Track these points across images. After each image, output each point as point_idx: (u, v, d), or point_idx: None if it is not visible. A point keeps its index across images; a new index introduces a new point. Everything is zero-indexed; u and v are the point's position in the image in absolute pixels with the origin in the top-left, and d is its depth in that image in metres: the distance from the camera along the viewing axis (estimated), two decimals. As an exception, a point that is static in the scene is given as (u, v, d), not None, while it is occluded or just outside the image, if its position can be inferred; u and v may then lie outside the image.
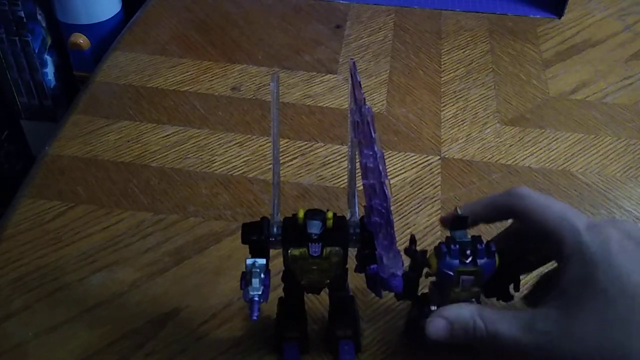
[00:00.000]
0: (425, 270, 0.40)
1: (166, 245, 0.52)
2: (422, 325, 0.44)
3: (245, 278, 0.37)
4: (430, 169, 0.59)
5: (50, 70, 1.00)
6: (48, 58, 0.99)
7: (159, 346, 0.45)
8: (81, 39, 0.91)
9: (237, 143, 0.61)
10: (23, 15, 0.92)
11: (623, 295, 0.34)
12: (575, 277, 0.35)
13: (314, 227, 0.36)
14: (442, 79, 0.70)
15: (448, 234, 0.40)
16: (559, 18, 0.80)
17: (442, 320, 0.38)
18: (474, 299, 0.41)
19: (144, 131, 0.62)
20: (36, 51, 0.96)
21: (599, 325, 0.34)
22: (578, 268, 0.35)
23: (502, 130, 0.64)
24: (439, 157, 0.61)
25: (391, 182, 0.58)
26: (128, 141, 0.61)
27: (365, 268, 0.38)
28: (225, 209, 0.55)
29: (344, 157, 0.60)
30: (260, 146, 0.61)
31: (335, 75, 0.70)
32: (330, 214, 0.37)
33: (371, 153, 0.33)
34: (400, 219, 0.54)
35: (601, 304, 0.34)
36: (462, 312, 0.38)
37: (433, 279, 0.40)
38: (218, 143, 0.61)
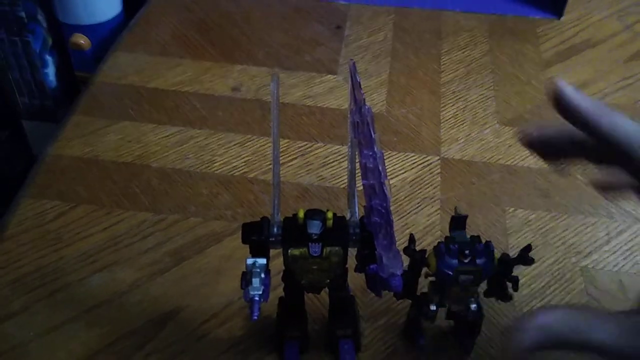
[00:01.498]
0: (425, 270, 0.40)
1: (166, 246, 0.52)
2: (422, 326, 0.44)
3: (246, 278, 0.37)
4: (430, 169, 0.59)
5: (51, 70, 1.00)
6: (49, 58, 0.99)
7: (159, 346, 0.45)
8: (82, 40, 0.92)
9: (237, 143, 0.61)
10: (24, 15, 0.92)
11: None
12: None
13: (314, 227, 0.37)
14: (442, 79, 0.70)
15: (448, 233, 0.40)
16: (559, 18, 0.80)
17: (539, 333, 0.31)
18: (473, 299, 0.41)
19: (145, 131, 0.62)
20: (37, 51, 0.96)
21: None
22: None
23: (502, 130, 0.64)
24: (438, 157, 0.61)
25: (391, 182, 0.58)
26: (129, 141, 0.61)
27: (365, 268, 0.38)
28: (226, 209, 0.55)
29: (344, 157, 0.60)
30: (260, 146, 0.61)
31: (335, 76, 0.70)
32: (330, 214, 0.37)
33: (371, 153, 0.33)
34: (400, 219, 0.55)
35: None
36: (551, 321, 0.32)
37: (433, 279, 0.40)
38: (218, 143, 0.61)
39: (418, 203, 0.56)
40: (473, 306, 0.41)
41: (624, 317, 0.33)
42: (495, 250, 0.39)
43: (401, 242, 0.51)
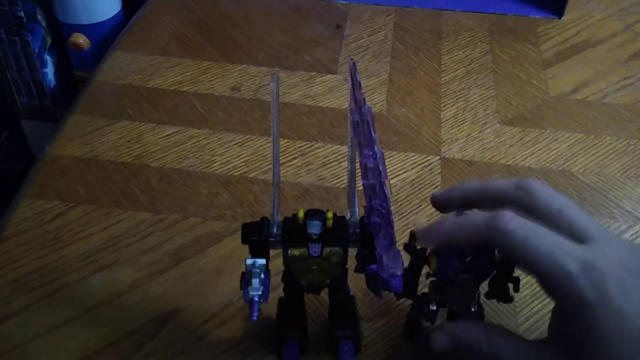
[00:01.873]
0: (427, 270, 0.40)
1: (166, 246, 0.52)
2: (422, 325, 0.44)
3: (245, 278, 0.37)
4: (430, 169, 0.59)
5: (50, 70, 1.00)
6: (48, 58, 0.99)
7: (159, 346, 0.45)
8: (81, 39, 0.91)
9: (237, 143, 0.61)
10: (23, 15, 0.92)
11: (627, 341, 0.32)
12: (574, 325, 0.33)
13: (314, 227, 0.36)
14: (442, 79, 0.70)
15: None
16: (559, 18, 0.80)
17: (446, 338, 0.38)
18: (473, 299, 0.41)
19: (144, 131, 0.62)
20: (36, 51, 0.96)
21: None
22: (575, 316, 0.33)
23: (502, 130, 0.64)
24: (439, 157, 0.61)
25: (391, 182, 0.58)
26: (128, 141, 0.61)
27: (365, 268, 0.38)
28: (225, 209, 0.55)
29: (344, 157, 0.60)
30: (260, 146, 0.61)
31: (335, 75, 0.70)
32: (330, 214, 0.37)
33: (371, 153, 0.33)
34: (400, 219, 0.54)
35: (605, 354, 0.32)
36: (468, 332, 0.38)
37: (434, 278, 0.40)
38: (218, 143, 0.61)
39: (418, 203, 0.56)
40: (474, 306, 0.41)
41: (528, 343, 0.37)
42: (497, 251, 0.39)
43: (401, 242, 0.51)
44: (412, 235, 0.40)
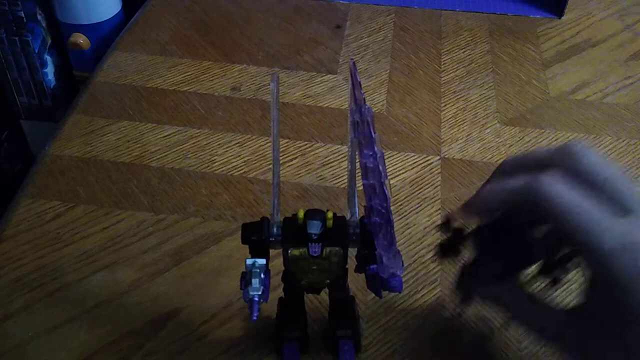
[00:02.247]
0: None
1: (166, 245, 0.52)
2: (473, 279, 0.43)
3: (245, 278, 0.37)
4: (430, 169, 0.59)
5: (50, 70, 1.00)
6: (48, 58, 0.99)
7: (159, 346, 0.45)
8: (81, 39, 0.91)
9: (237, 143, 0.61)
10: (23, 15, 0.92)
11: None
12: (604, 303, 0.33)
13: (314, 227, 0.36)
14: (442, 79, 0.70)
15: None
16: (559, 18, 0.80)
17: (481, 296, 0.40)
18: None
19: (144, 131, 0.62)
20: (36, 51, 0.96)
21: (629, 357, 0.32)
22: (607, 294, 0.32)
23: (502, 130, 0.64)
24: (439, 157, 0.61)
25: (391, 182, 0.58)
26: (128, 141, 0.61)
27: (365, 268, 0.38)
28: (225, 209, 0.55)
29: (344, 157, 0.60)
30: (260, 146, 0.61)
31: (335, 75, 0.70)
32: (330, 214, 0.37)
33: (371, 153, 0.33)
34: (400, 219, 0.54)
35: (633, 335, 0.32)
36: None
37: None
38: (218, 143, 0.61)
39: (418, 203, 0.56)
40: None
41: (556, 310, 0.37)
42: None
43: (402, 242, 0.51)
44: (448, 217, 0.40)
